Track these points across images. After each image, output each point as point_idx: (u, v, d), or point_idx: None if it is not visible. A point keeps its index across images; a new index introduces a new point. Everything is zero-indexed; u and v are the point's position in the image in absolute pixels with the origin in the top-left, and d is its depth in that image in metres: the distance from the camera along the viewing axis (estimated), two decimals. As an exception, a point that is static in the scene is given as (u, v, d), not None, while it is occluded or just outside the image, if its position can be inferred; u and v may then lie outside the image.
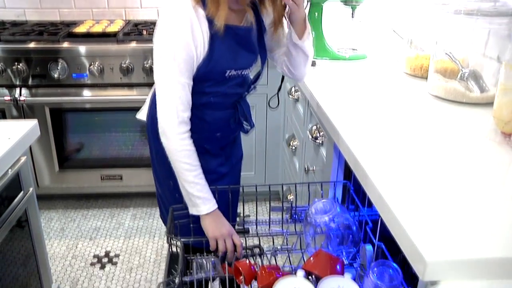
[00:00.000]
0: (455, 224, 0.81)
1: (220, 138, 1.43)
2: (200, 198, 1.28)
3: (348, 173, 1.41)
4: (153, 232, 2.55)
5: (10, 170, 1.19)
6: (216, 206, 1.31)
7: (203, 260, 1.23)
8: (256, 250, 1.34)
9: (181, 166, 1.27)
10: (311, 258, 1.08)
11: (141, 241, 2.47)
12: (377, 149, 1.12)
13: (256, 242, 1.36)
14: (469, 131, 1.25)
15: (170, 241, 1.17)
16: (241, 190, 1.36)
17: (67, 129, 2.55)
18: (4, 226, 1.15)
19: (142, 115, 1.55)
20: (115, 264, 2.29)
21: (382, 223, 1.32)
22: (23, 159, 1.26)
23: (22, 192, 1.26)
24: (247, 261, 1.20)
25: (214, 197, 1.31)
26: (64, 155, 2.59)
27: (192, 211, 1.31)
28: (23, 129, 1.26)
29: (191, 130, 1.29)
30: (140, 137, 2.59)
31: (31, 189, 1.31)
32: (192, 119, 1.29)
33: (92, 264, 2.29)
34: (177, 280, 1.02)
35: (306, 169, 1.76)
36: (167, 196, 1.50)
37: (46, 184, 2.62)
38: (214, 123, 1.39)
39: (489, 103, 1.38)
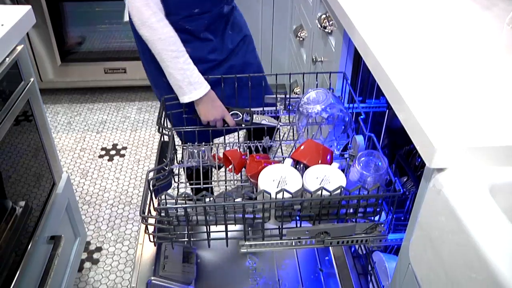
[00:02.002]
0: (465, 112, 0.79)
1: (200, 14, 1.31)
2: (191, 84, 1.25)
3: (357, 63, 1.36)
4: (160, 126, 2.57)
5: (7, 58, 1.16)
6: (208, 87, 1.29)
7: (194, 149, 1.24)
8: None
9: (168, 55, 1.23)
10: (301, 148, 1.07)
11: (147, 133, 2.50)
12: (390, 37, 1.06)
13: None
14: (489, 18, 1.17)
15: (162, 130, 1.17)
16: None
17: (66, 21, 2.46)
18: (8, 117, 1.14)
19: (127, 16, 1.45)
20: (122, 156, 2.33)
21: (375, 116, 1.30)
22: (20, 48, 1.22)
23: (23, 82, 1.23)
24: (238, 150, 1.20)
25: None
26: (65, 48, 2.52)
27: (184, 99, 1.27)
28: (17, 15, 1.20)
29: (168, 11, 1.23)
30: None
31: (32, 79, 1.28)
32: None
33: (101, 156, 2.33)
34: (167, 168, 1.03)
35: (314, 59, 1.70)
36: (164, 95, 1.45)
37: (49, 78, 2.59)
38: None
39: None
